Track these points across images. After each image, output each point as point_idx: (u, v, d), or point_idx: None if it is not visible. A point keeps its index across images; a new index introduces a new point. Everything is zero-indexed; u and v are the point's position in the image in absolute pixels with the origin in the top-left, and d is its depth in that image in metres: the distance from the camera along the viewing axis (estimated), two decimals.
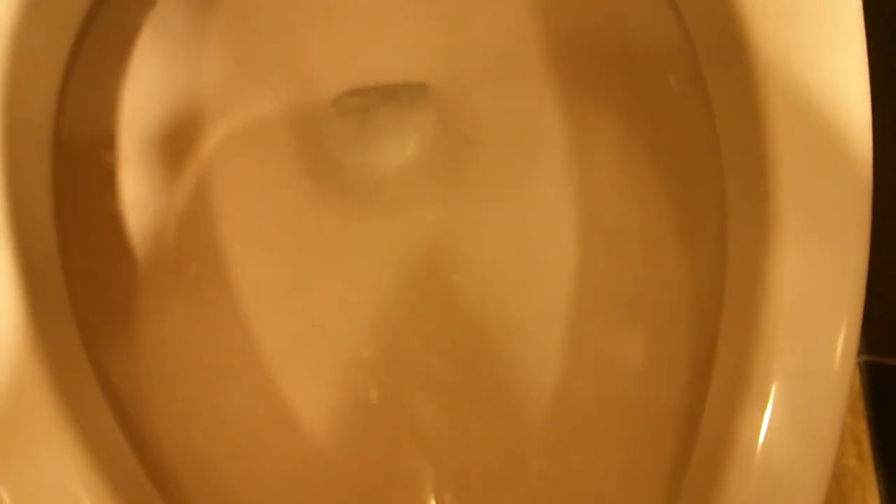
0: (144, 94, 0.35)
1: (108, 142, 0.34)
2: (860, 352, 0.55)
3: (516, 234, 0.41)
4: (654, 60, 0.35)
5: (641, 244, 0.35)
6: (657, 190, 0.34)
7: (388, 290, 0.40)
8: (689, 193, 0.34)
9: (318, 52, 0.41)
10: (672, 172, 0.34)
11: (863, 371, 0.56)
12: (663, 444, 0.29)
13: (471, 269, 0.40)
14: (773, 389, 0.24)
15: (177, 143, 0.36)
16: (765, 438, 0.24)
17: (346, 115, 0.43)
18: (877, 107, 0.26)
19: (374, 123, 0.43)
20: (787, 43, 0.26)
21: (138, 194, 0.34)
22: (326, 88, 0.42)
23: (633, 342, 0.34)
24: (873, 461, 0.56)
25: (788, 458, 0.24)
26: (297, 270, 0.38)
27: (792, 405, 0.24)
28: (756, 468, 0.24)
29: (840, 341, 0.24)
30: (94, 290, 0.31)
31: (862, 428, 0.56)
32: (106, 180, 0.34)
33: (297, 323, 0.36)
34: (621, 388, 0.33)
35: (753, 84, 0.26)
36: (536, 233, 0.41)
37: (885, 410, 0.55)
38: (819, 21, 0.25)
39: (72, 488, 0.24)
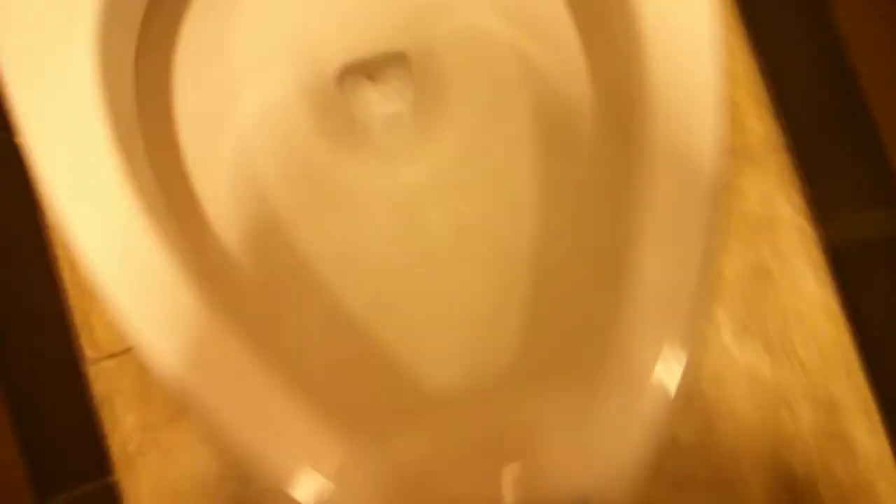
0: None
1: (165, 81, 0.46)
2: None
3: (481, 170, 0.54)
4: None
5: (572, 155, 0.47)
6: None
7: (386, 215, 0.52)
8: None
9: (316, 33, 0.53)
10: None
11: None
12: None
13: (447, 194, 0.52)
14: None
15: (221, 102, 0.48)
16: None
17: (346, 87, 0.55)
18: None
19: (368, 92, 0.55)
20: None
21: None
22: (328, 64, 0.54)
23: (571, 235, 0.47)
24: None
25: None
26: (319, 199, 0.50)
27: None
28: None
29: None
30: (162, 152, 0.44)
31: None
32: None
33: (321, 237, 0.49)
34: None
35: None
36: (496, 167, 0.53)
37: None
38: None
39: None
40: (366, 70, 0.54)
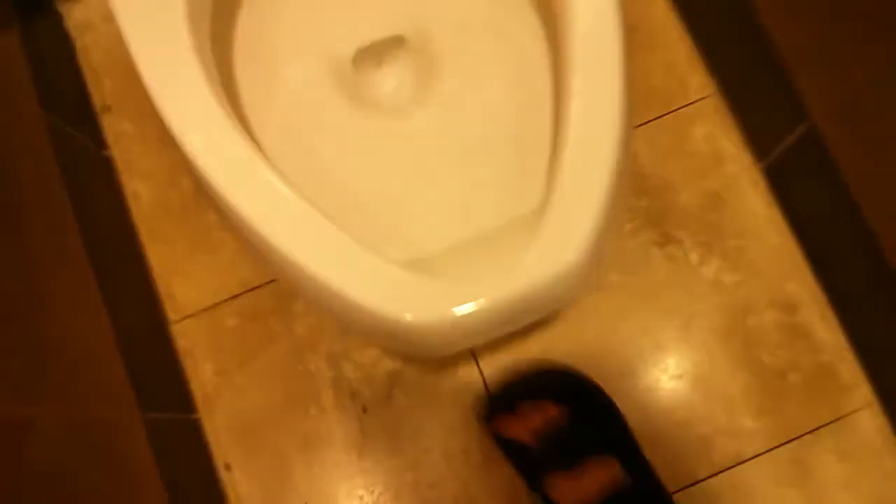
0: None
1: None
2: None
3: (466, 125, 0.70)
4: None
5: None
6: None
7: (390, 147, 0.68)
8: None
9: (334, 24, 0.71)
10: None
11: None
12: None
13: (434, 134, 0.69)
14: None
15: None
16: None
17: (361, 64, 0.72)
18: None
19: (377, 67, 0.73)
20: None
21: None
22: (346, 48, 0.71)
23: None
24: None
25: None
26: (341, 140, 0.67)
27: None
28: None
29: None
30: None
31: None
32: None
33: (344, 159, 0.65)
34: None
35: None
36: (474, 113, 0.69)
37: None
38: None
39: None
40: (374, 51, 0.72)
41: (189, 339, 0.86)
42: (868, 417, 0.82)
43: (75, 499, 0.61)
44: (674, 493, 0.80)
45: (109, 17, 0.93)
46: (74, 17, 0.93)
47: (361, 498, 0.82)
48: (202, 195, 0.88)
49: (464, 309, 0.52)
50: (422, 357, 0.59)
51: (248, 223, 0.54)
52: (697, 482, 0.81)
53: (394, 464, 0.82)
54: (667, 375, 0.83)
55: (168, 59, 0.57)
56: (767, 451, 0.81)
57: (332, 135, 0.68)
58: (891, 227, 0.71)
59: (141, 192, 0.90)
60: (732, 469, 0.81)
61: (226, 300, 0.86)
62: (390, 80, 0.73)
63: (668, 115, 0.88)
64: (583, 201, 0.52)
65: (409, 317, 0.52)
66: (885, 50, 0.66)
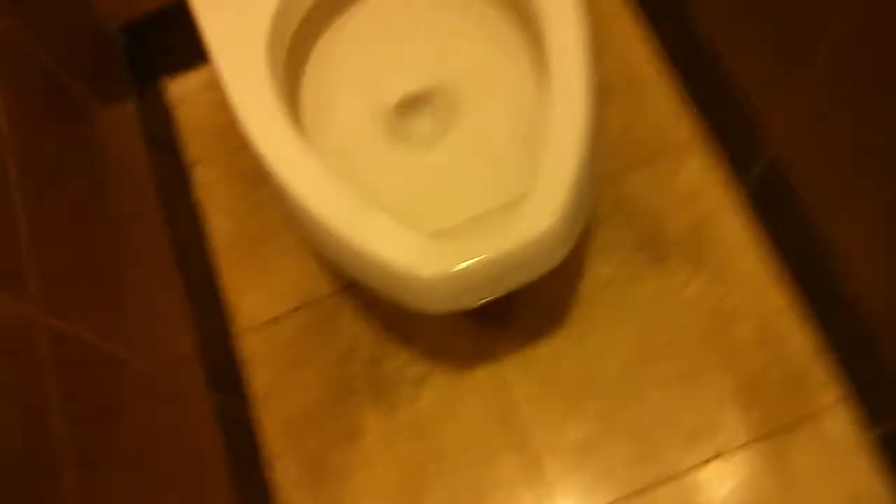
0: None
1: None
2: None
3: (483, 154, 0.87)
4: None
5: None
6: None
7: (417, 170, 0.85)
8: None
9: (380, 77, 0.90)
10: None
11: None
12: None
13: (464, 173, 0.86)
14: None
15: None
16: None
17: (400, 112, 0.90)
18: None
19: (411, 113, 0.91)
20: None
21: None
22: (389, 96, 0.90)
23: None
24: None
25: None
26: (380, 169, 0.84)
27: None
28: None
29: None
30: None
31: None
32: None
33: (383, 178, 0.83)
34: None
35: None
36: (494, 148, 0.87)
37: None
38: None
39: None
40: (410, 100, 0.91)
41: (251, 346, 1.02)
42: (840, 413, 0.91)
43: (154, 444, 0.75)
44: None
45: (198, 92, 1.16)
46: (172, 92, 1.16)
47: (391, 483, 0.93)
48: (265, 184, 1.07)
49: (466, 263, 0.67)
50: (434, 311, 0.72)
51: (301, 204, 0.71)
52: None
53: (420, 454, 0.94)
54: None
55: (249, 82, 0.76)
56: (747, 444, 0.90)
57: (372, 160, 0.86)
58: (848, 241, 0.83)
59: (220, 227, 1.08)
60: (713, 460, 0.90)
61: (284, 313, 1.02)
62: (420, 123, 0.92)
63: (656, 155, 1.04)
64: (559, 178, 0.67)
65: (424, 270, 0.67)
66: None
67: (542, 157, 0.69)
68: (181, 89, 1.17)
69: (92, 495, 0.58)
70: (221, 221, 1.09)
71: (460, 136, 0.87)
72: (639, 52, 1.10)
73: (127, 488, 0.65)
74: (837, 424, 0.91)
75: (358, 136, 0.87)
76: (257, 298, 1.04)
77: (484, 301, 0.73)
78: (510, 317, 1.00)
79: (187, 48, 1.13)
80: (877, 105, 0.69)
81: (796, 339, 0.94)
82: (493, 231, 0.67)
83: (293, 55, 0.84)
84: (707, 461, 0.91)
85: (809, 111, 0.80)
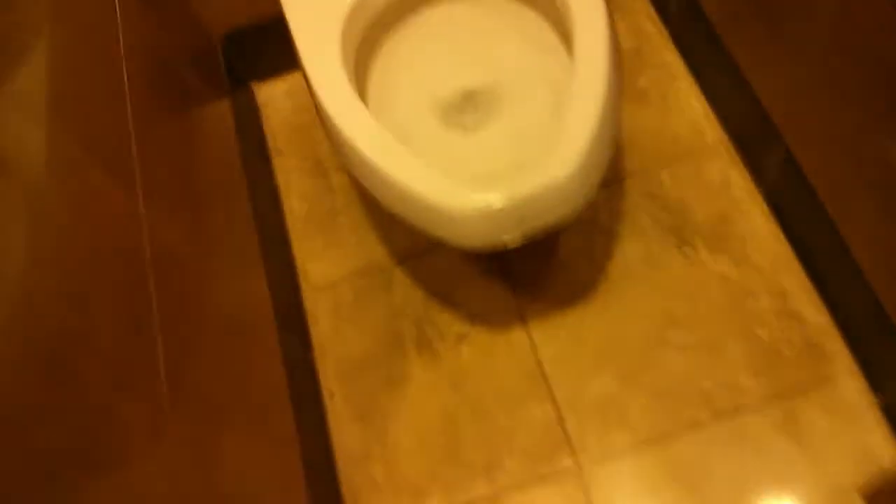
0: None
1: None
2: None
3: (519, 138, 1.01)
4: None
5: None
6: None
7: (466, 157, 1.00)
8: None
9: (436, 75, 1.06)
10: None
11: None
12: None
13: (500, 151, 1.00)
14: None
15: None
16: None
17: (451, 102, 1.06)
18: None
19: (460, 107, 1.06)
20: None
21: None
22: (442, 93, 1.06)
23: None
24: None
25: None
26: (437, 149, 0.99)
27: None
28: None
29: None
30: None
31: None
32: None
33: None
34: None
35: None
36: (527, 133, 1.01)
37: None
38: None
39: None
40: (461, 93, 1.06)
41: (314, 302, 1.16)
42: (852, 378, 0.98)
43: (229, 362, 0.90)
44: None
45: (281, 98, 1.35)
46: (260, 94, 1.36)
47: (430, 424, 1.05)
48: (333, 175, 1.23)
49: (493, 199, 0.80)
50: (470, 246, 0.85)
51: (365, 157, 0.86)
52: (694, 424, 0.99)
53: (457, 402, 1.06)
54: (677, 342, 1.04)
55: (324, 60, 0.93)
56: (761, 404, 0.99)
57: (425, 138, 1.01)
58: (857, 228, 0.93)
59: (295, 207, 1.25)
60: (727, 417, 0.99)
61: (344, 277, 1.17)
62: (468, 112, 1.07)
63: (686, 154, 1.16)
64: (581, 132, 0.81)
65: (458, 206, 0.81)
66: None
67: (566, 113, 0.82)
68: (267, 94, 1.36)
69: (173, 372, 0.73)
70: (295, 204, 1.25)
71: (500, 123, 1.02)
72: (671, 63, 1.23)
73: (203, 382, 0.79)
74: (849, 389, 0.98)
75: (415, 119, 1.03)
76: (322, 265, 1.19)
77: (513, 243, 0.86)
78: (541, 290, 1.12)
79: (275, 60, 1.33)
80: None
81: (810, 312, 1.03)
82: (520, 173, 0.81)
83: (364, 46, 1.01)
84: (721, 418, 0.99)
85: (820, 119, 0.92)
